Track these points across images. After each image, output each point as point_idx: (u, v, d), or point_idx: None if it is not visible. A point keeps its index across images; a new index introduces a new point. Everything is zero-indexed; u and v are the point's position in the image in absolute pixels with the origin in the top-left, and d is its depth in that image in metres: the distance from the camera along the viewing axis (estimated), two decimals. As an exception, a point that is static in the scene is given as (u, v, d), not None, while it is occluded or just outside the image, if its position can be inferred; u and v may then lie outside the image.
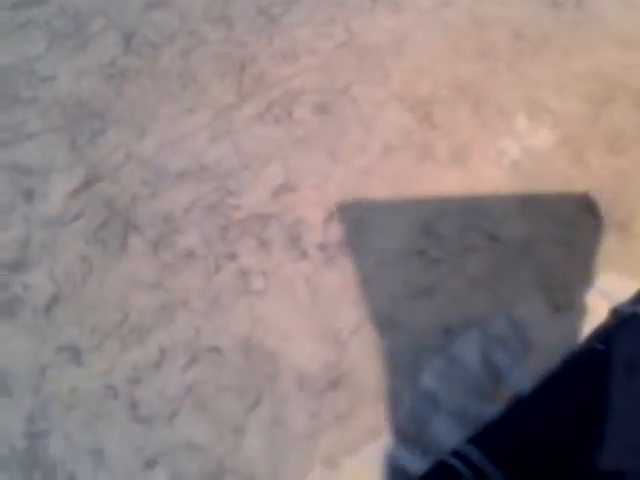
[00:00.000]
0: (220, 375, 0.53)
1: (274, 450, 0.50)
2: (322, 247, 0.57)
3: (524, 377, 0.51)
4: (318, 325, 0.54)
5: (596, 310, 0.54)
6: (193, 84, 0.68)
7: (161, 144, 0.64)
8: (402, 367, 0.52)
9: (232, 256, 0.57)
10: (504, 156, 0.61)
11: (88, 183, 0.64)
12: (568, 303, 0.55)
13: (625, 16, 0.72)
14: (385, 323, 0.54)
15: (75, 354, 0.56)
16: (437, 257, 0.56)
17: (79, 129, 0.67)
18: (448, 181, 0.59)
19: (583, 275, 0.55)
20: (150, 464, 0.51)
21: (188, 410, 0.52)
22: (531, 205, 0.58)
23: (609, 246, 0.57)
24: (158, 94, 0.68)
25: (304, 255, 0.57)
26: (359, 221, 0.58)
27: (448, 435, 0.50)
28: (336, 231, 0.58)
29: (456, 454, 0.49)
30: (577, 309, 0.54)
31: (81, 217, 0.62)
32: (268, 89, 0.66)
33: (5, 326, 0.59)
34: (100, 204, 0.62)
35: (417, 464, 0.49)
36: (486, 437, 0.49)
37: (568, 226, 0.57)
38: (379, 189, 0.59)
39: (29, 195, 0.64)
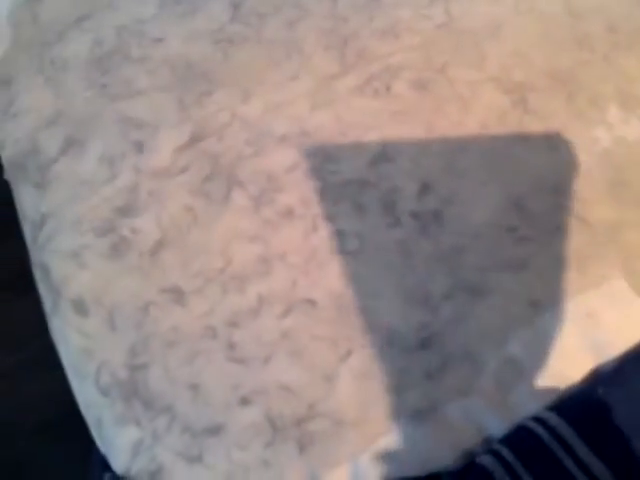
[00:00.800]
0: (314, 325, 0.54)
1: (363, 399, 0.51)
2: (415, 215, 0.58)
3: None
4: (410, 288, 0.55)
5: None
6: (297, 54, 0.69)
7: (265, 108, 0.66)
8: (489, 334, 0.53)
9: (329, 217, 0.59)
10: (596, 144, 0.61)
11: (194, 140, 0.66)
12: (652, 288, 0.54)
13: None
14: (475, 292, 0.54)
15: (178, 295, 0.58)
16: (526, 234, 0.56)
17: (187, 89, 0.69)
18: (540, 163, 0.59)
19: (667, 263, 0.55)
20: (245, 401, 0.53)
21: (282, 355, 0.54)
22: (620, 191, 0.58)
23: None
24: (263, 61, 0.69)
25: (398, 222, 0.58)
26: (452, 194, 0.58)
27: (531, 402, 0.51)
28: (429, 202, 0.59)
29: (536, 419, 0.50)
30: (659, 295, 0.54)
31: (187, 170, 0.64)
32: (368, 63, 0.67)
33: (113, 266, 0.61)
34: (205, 160, 0.64)
35: (498, 427, 0.50)
36: (567, 406, 0.50)
37: (656, 215, 0.57)
38: (473, 165, 0.60)
39: (139, 147, 0.67)
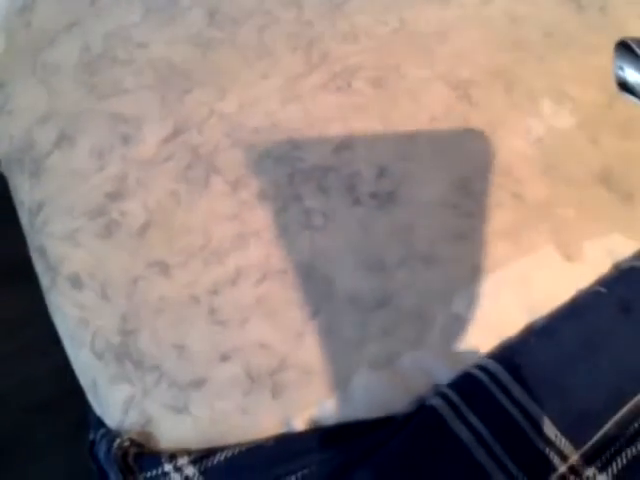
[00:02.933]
0: (285, 291, 0.59)
1: (328, 352, 0.56)
2: (373, 195, 0.63)
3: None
4: (368, 257, 0.60)
5: (601, 263, 0.60)
6: (267, 55, 0.73)
7: (239, 103, 0.70)
8: (437, 295, 0.57)
9: (297, 198, 0.63)
10: (530, 132, 0.66)
11: (177, 132, 0.70)
12: (578, 256, 0.60)
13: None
14: (424, 260, 0.59)
15: (164, 269, 0.62)
16: (469, 210, 0.61)
17: (169, 88, 0.73)
18: (482, 148, 0.65)
19: (592, 234, 0.61)
20: (225, 358, 0.57)
21: (258, 317, 0.58)
22: (551, 173, 0.63)
23: (616, 212, 0.62)
24: (237, 62, 0.73)
25: (358, 201, 0.63)
26: (405, 176, 0.63)
27: (473, 353, 0.56)
28: (385, 184, 0.64)
29: (478, 366, 0.55)
30: (585, 261, 0.59)
31: (170, 160, 0.68)
32: (331, 63, 0.72)
33: (104, 245, 0.65)
34: (187, 150, 0.68)
35: (445, 374, 0.55)
36: (504, 355, 0.55)
37: (582, 193, 0.63)
38: (423, 151, 0.64)
39: (126, 140, 0.70)
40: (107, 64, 0.78)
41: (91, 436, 0.62)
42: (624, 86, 0.30)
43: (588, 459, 0.52)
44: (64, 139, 0.74)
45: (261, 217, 0.64)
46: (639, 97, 0.29)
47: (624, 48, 0.30)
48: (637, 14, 0.79)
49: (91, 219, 0.67)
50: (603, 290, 0.58)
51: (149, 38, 0.79)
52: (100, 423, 0.61)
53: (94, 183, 0.69)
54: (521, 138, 0.67)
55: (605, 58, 0.70)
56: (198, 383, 0.57)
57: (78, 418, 0.66)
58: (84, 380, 0.62)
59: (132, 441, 0.56)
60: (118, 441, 0.55)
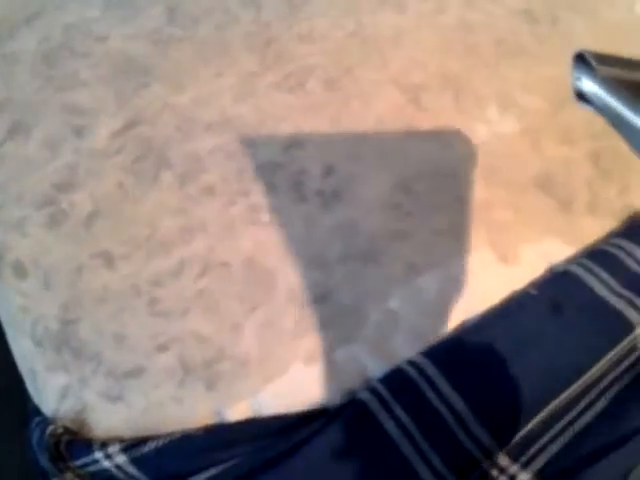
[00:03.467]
0: (227, 284, 0.59)
1: (265, 344, 0.56)
2: (319, 193, 0.63)
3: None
4: (310, 253, 0.60)
5: (537, 266, 0.61)
6: (224, 54, 0.74)
7: (194, 99, 0.70)
8: (374, 291, 0.58)
9: (245, 194, 0.64)
10: (475, 136, 0.67)
11: (130, 126, 0.70)
12: (513, 258, 0.61)
13: (590, 34, 0.79)
14: (364, 257, 0.60)
15: (108, 260, 0.63)
16: (410, 209, 0.62)
17: (125, 82, 0.73)
18: (427, 151, 0.66)
19: (529, 238, 0.62)
20: (162, 348, 0.57)
21: (198, 309, 0.58)
22: (491, 176, 0.64)
23: (553, 217, 0.64)
24: (195, 59, 0.74)
25: (304, 199, 0.64)
26: (351, 176, 0.64)
27: (406, 349, 0.57)
28: (331, 182, 0.65)
29: (409, 362, 0.56)
30: (520, 264, 0.61)
31: (122, 152, 0.68)
32: (286, 64, 0.72)
33: (50, 234, 0.65)
34: (139, 143, 0.68)
35: (378, 369, 0.55)
36: (435, 352, 0.56)
37: (521, 196, 0.64)
38: (370, 152, 0.65)
39: (79, 132, 0.70)
40: (65, 56, 0.78)
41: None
42: (581, 96, 0.31)
43: (512, 456, 0.53)
44: (18, 129, 0.74)
45: (208, 211, 0.64)
46: (595, 106, 0.31)
47: (581, 60, 0.31)
48: (586, 27, 0.81)
49: (39, 208, 0.67)
50: (534, 292, 0.59)
51: (108, 32, 0.80)
52: (37, 411, 0.60)
53: (45, 173, 0.69)
54: (465, 142, 0.68)
55: (552, 68, 0.72)
56: (135, 373, 0.57)
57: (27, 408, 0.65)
58: (23, 368, 0.62)
59: (65, 428, 0.56)
60: (51, 428, 0.55)
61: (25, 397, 0.65)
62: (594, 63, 0.30)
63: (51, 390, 0.58)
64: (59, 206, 0.67)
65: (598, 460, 0.52)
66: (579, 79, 0.31)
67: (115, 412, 0.56)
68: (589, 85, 0.30)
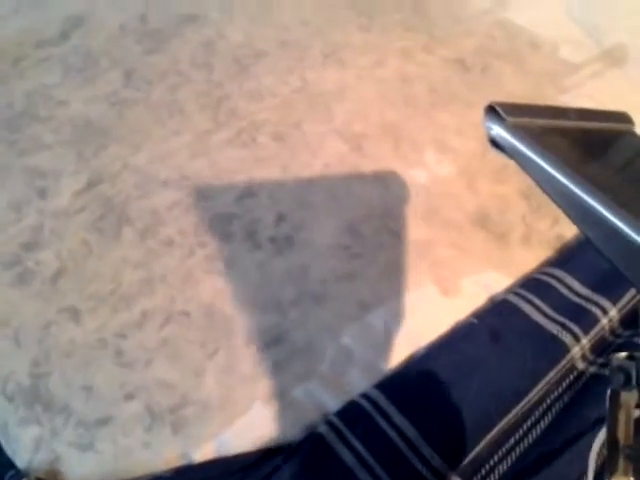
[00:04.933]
0: (188, 332, 0.62)
1: (226, 387, 0.59)
2: (272, 240, 0.67)
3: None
4: (265, 298, 0.64)
5: (477, 297, 0.66)
6: (179, 113, 0.78)
7: (151, 158, 0.74)
8: (328, 330, 0.62)
9: (202, 245, 0.67)
10: (414, 180, 0.72)
11: (91, 185, 0.73)
12: (455, 291, 0.66)
13: (517, 80, 0.85)
14: (316, 299, 0.64)
15: (75, 314, 0.65)
16: (358, 251, 0.66)
17: (86, 144, 0.77)
18: (372, 195, 0.70)
19: (468, 271, 0.67)
20: (129, 397, 0.60)
21: (162, 358, 0.61)
22: (432, 216, 0.69)
23: (491, 251, 0.68)
24: (150, 120, 0.78)
25: (258, 246, 0.67)
26: (302, 222, 0.68)
27: (360, 383, 0.60)
28: (284, 228, 0.69)
29: (363, 395, 0.59)
30: (462, 296, 0.65)
31: (84, 211, 0.71)
32: (238, 120, 0.77)
33: (18, 292, 0.67)
34: (100, 202, 0.71)
35: (334, 403, 0.59)
36: (386, 384, 0.60)
37: (460, 234, 0.69)
38: (318, 198, 0.70)
39: (43, 193, 0.73)
40: (28, 121, 0.82)
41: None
42: (494, 143, 0.35)
43: (464, 477, 0.56)
44: (-17, 193, 0.76)
45: (168, 263, 0.67)
46: (507, 152, 0.35)
47: (492, 111, 0.35)
48: (514, 73, 0.88)
49: (7, 269, 0.69)
50: (475, 321, 0.63)
51: (69, 96, 0.83)
52: (10, 465, 0.62)
53: (11, 234, 0.72)
54: (406, 186, 0.73)
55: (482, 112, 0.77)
56: (104, 421, 0.59)
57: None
58: (-4, 423, 0.64)
59: (39, 480, 0.57)
60: (24, 480, 0.57)
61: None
62: (503, 114, 0.34)
63: (24, 443, 0.60)
64: (26, 265, 0.69)
65: (544, 469, 0.55)
66: (491, 128, 0.34)
67: (87, 460, 0.58)
68: (500, 133, 0.34)
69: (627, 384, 0.33)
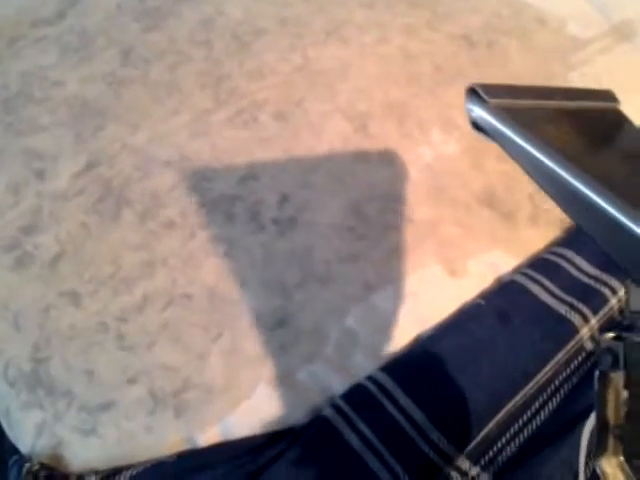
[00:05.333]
0: (190, 315, 0.61)
1: (230, 370, 0.58)
2: (276, 222, 0.66)
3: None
4: (269, 280, 0.63)
5: (484, 278, 0.64)
6: (178, 92, 0.76)
7: (151, 138, 0.73)
8: (332, 312, 0.61)
9: (204, 226, 0.66)
10: (420, 159, 0.71)
11: (89, 167, 0.72)
12: (462, 272, 0.65)
13: (524, 57, 0.83)
14: (321, 280, 0.63)
15: (74, 298, 0.64)
16: (362, 232, 0.65)
17: (83, 124, 0.75)
18: (376, 176, 0.69)
19: (475, 251, 0.66)
20: (132, 381, 0.59)
21: (164, 341, 0.60)
22: (438, 195, 0.68)
23: (497, 230, 0.67)
24: (149, 99, 0.76)
25: (261, 227, 0.66)
26: (305, 203, 0.67)
27: (366, 365, 0.59)
28: (287, 210, 0.68)
29: (369, 378, 0.58)
30: (469, 277, 0.64)
31: (83, 193, 0.70)
32: (238, 99, 0.75)
33: (17, 276, 0.66)
34: (99, 183, 0.70)
35: (340, 386, 0.58)
36: (392, 366, 0.59)
37: (466, 213, 0.68)
38: (323, 179, 0.68)
39: (41, 175, 0.72)
40: (24, 102, 0.80)
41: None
42: (476, 125, 0.34)
43: (472, 459, 0.56)
44: (-20, 175, 0.75)
45: (169, 245, 0.66)
46: (488, 135, 0.34)
47: (473, 93, 0.34)
48: (520, 49, 0.86)
49: (5, 252, 0.68)
50: (483, 302, 0.62)
51: (65, 77, 0.82)
52: (14, 450, 0.61)
53: (9, 218, 0.71)
54: (411, 165, 0.72)
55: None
56: (106, 406, 0.58)
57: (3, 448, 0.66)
58: (-3, 409, 0.63)
59: (42, 465, 0.57)
60: (28, 465, 0.56)
61: (1, 438, 0.66)
62: (484, 95, 0.33)
63: (27, 428, 0.59)
64: (25, 249, 0.68)
65: (552, 453, 0.55)
66: (472, 110, 0.34)
67: (90, 445, 0.57)
68: (481, 115, 0.33)
69: (615, 365, 0.32)
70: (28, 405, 0.61)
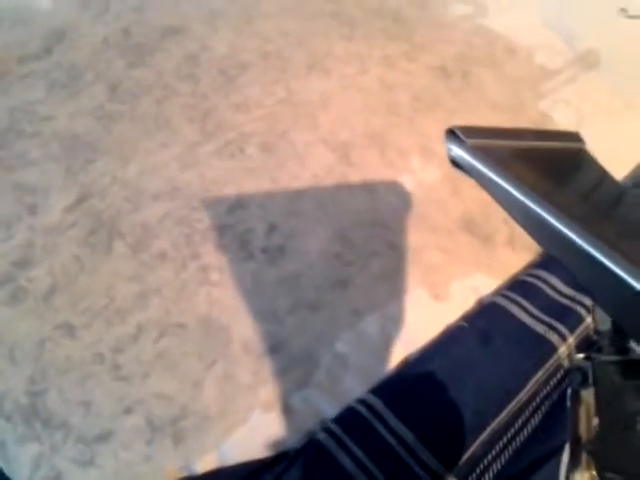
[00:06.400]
0: (184, 344, 0.62)
1: (225, 398, 0.59)
2: (264, 250, 0.68)
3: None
4: (261, 307, 0.64)
5: (466, 300, 0.67)
6: (166, 126, 0.78)
7: (140, 171, 0.74)
8: (322, 337, 0.63)
9: (195, 256, 0.67)
10: (402, 187, 0.73)
11: (81, 200, 0.73)
12: (445, 295, 0.67)
13: (497, 86, 0.87)
14: (310, 307, 0.65)
15: (70, 330, 0.65)
16: (349, 259, 0.67)
17: (73, 158, 0.76)
18: (360, 203, 0.71)
19: (457, 275, 0.68)
20: (128, 410, 0.60)
21: (159, 370, 0.61)
22: (420, 222, 0.70)
23: (477, 254, 0.70)
24: (138, 132, 0.78)
25: (251, 256, 0.68)
26: (293, 231, 0.69)
27: (356, 388, 0.61)
28: (275, 238, 0.69)
29: (359, 400, 0.60)
30: (452, 300, 0.66)
31: (75, 226, 0.71)
32: (225, 132, 0.77)
33: (12, 310, 0.67)
34: (90, 216, 0.71)
35: (331, 409, 0.59)
36: (382, 388, 0.61)
37: (448, 238, 0.70)
38: (308, 207, 0.70)
39: (32, 209, 0.73)
40: (14, 138, 0.81)
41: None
42: (454, 163, 0.37)
43: (460, 477, 0.57)
44: (-28, 210, 0.75)
45: (161, 276, 0.67)
46: (465, 171, 0.36)
47: (452, 134, 0.36)
48: (493, 79, 0.89)
49: (-1, 287, 0.69)
50: (465, 324, 0.64)
51: (54, 112, 0.83)
52: (10, 484, 0.62)
53: (1, 252, 0.71)
54: (393, 192, 0.74)
55: (466, 117, 0.79)
56: (104, 436, 0.59)
57: None
58: (-6, 443, 0.63)
59: (40, 498, 0.57)
60: (27, 499, 0.56)
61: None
62: (462, 136, 0.35)
63: (24, 461, 0.60)
64: (18, 283, 0.69)
65: (536, 469, 0.57)
66: (451, 149, 0.36)
67: (88, 476, 0.57)
68: (459, 154, 0.36)
69: (585, 383, 0.34)
70: (25, 438, 0.61)
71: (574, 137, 0.43)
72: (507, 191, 0.33)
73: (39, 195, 0.76)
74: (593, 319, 0.36)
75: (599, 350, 0.36)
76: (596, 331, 0.59)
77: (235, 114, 0.80)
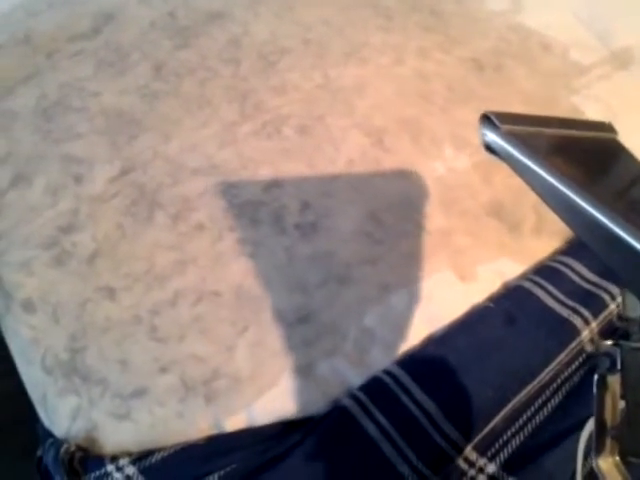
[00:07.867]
0: (218, 310, 0.65)
1: (255, 361, 0.61)
2: (298, 227, 0.70)
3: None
4: (292, 280, 0.66)
5: (492, 284, 0.68)
6: (207, 106, 0.80)
7: (181, 147, 0.76)
8: (351, 311, 0.64)
9: (231, 229, 0.70)
10: (433, 172, 0.75)
11: (124, 172, 0.76)
12: (472, 277, 0.68)
13: (530, 80, 0.88)
14: (341, 281, 0.66)
15: (110, 293, 0.68)
16: (380, 238, 0.69)
17: (118, 133, 0.79)
18: (392, 186, 0.72)
19: (484, 259, 0.69)
20: (164, 370, 0.62)
21: (194, 334, 0.63)
22: (450, 206, 0.72)
23: (504, 240, 0.71)
24: (180, 111, 0.80)
25: (284, 231, 0.70)
26: (326, 210, 0.71)
27: (382, 361, 0.62)
28: (309, 216, 0.71)
29: (385, 371, 0.62)
30: (478, 282, 0.67)
31: (118, 196, 0.74)
32: (263, 113, 0.79)
33: (56, 272, 0.69)
34: (133, 188, 0.74)
35: (358, 379, 0.61)
36: (408, 362, 0.62)
37: (476, 223, 0.71)
38: (341, 189, 0.72)
39: (78, 179, 0.76)
40: (62, 111, 0.84)
41: (39, 452, 0.66)
42: (488, 148, 0.38)
43: (480, 450, 0.59)
44: (20, 180, 0.79)
45: (198, 246, 0.70)
46: (499, 156, 0.37)
47: (486, 119, 0.38)
48: (526, 72, 0.90)
49: (44, 249, 0.72)
50: (492, 305, 0.66)
51: (101, 88, 0.86)
52: (49, 434, 0.64)
53: (48, 217, 0.74)
54: (425, 178, 0.75)
55: (498, 108, 0.80)
56: (139, 393, 0.62)
57: (26, 443, 0.69)
58: (35, 395, 0.66)
59: (78, 446, 0.60)
60: (65, 447, 0.59)
61: (28, 428, 0.69)
62: (497, 121, 0.37)
63: (63, 412, 0.63)
64: (63, 247, 0.72)
65: (554, 447, 0.58)
66: (485, 135, 0.38)
67: (123, 429, 0.60)
68: (494, 139, 0.37)
69: (612, 369, 0.35)
70: (64, 391, 0.64)
71: (607, 127, 0.44)
72: (543, 178, 0.35)
73: (84, 166, 0.79)
74: (622, 305, 0.38)
75: (626, 336, 0.37)
76: (622, 317, 0.60)
77: (273, 97, 0.83)
